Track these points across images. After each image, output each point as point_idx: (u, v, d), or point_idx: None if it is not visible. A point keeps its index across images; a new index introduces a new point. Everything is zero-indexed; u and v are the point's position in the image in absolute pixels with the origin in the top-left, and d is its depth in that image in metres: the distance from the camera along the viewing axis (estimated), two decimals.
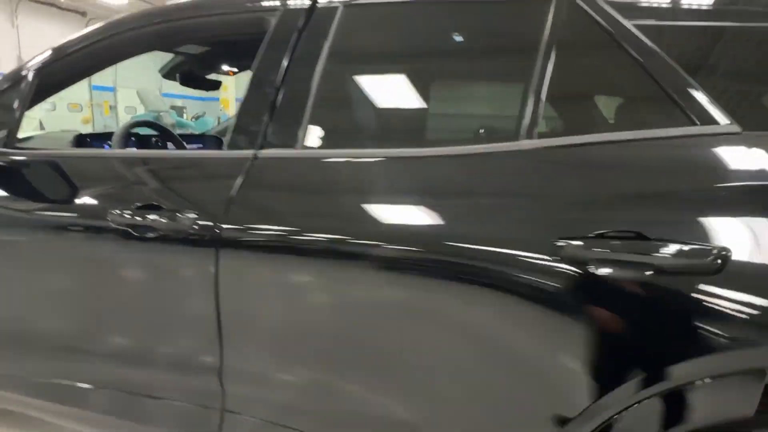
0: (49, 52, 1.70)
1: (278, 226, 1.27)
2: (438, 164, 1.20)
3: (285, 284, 1.28)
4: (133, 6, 14.96)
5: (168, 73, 2.52)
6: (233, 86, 11.46)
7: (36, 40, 14.06)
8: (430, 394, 1.18)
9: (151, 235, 1.36)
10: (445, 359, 1.14)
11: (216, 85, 2.77)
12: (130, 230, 1.38)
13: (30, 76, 1.68)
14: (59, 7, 14.76)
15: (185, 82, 2.53)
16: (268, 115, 1.35)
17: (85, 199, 1.52)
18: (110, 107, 14.13)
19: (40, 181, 1.61)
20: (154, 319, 1.46)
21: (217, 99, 13.05)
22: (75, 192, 1.55)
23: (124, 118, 13.77)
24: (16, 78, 1.70)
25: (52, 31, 14.68)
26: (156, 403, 1.49)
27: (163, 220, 1.35)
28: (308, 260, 1.24)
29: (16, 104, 1.68)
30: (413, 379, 1.19)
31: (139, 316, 1.48)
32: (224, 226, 1.29)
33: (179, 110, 13.97)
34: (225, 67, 2.53)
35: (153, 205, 1.38)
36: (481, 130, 1.69)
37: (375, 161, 1.28)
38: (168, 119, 10.17)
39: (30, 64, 1.71)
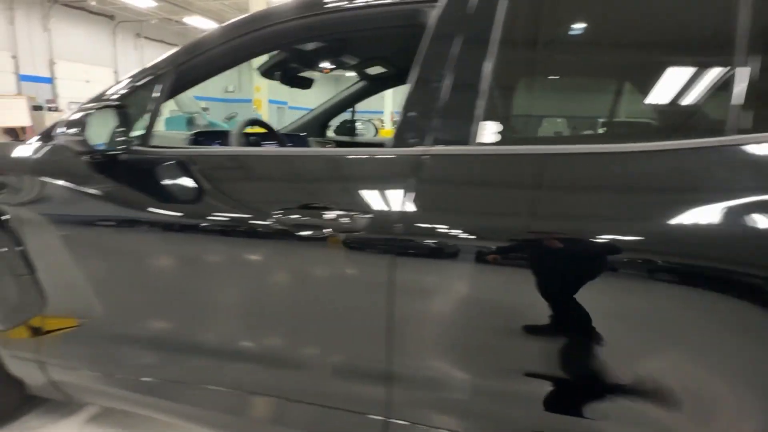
0: (184, 50, 1.67)
1: (459, 226, 1.21)
2: (652, 159, 1.12)
3: (471, 290, 1.22)
4: (162, 9, 15.06)
5: (267, 71, 2.49)
6: (266, 88, 11.51)
7: (67, 44, 14.28)
8: (668, 393, 1.10)
9: (317, 236, 1.32)
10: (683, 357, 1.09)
11: (308, 83, 2.74)
12: (293, 231, 1.34)
13: (165, 74, 1.65)
14: (89, 11, 14.93)
15: (283, 79, 2.50)
16: (437, 110, 1.31)
17: (243, 199, 1.48)
18: None
19: (188, 179, 1.56)
20: (314, 322, 1.42)
21: (249, 100, 13.07)
22: (229, 192, 1.51)
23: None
24: (149, 76, 1.67)
25: (82, 34, 14.89)
26: (310, 410, 1.44)
27: (334, 221, 1.31)
28: (495, 263, 1.19)
29: (152, 102, 1.65)
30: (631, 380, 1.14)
31: (298, 318, 1.44)
32: (400, 226, 1.25)
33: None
34: (324, 65, 2.49)
35: (312, 205, 1.34)
36: (662, 125, 1.58)
37: (565, 157, 1.22)
38: (201, 120, 10.20)
39: (162, 61, 1.68)
